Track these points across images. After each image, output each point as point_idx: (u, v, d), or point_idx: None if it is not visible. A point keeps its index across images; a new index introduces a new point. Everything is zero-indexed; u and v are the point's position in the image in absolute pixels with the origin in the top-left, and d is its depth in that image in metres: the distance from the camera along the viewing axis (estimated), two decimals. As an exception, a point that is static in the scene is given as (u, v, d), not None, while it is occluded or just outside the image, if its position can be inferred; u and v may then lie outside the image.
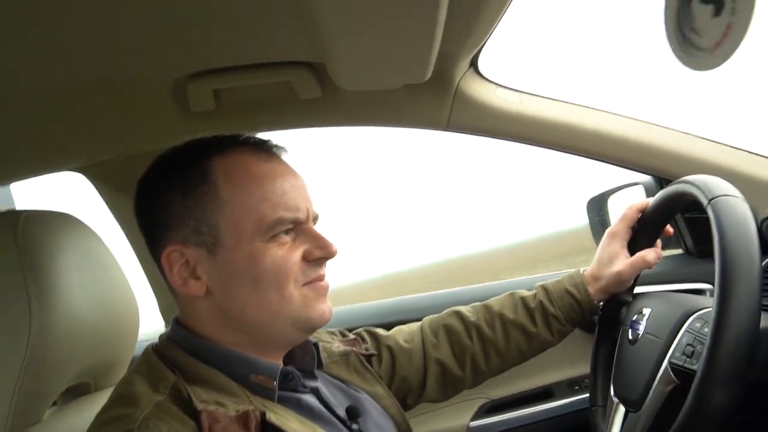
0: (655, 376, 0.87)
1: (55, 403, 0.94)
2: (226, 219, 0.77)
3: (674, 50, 0.79)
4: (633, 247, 1.05)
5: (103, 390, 0.98)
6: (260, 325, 0.79)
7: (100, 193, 1.25)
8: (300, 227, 0.81)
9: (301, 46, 0.87)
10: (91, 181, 1.25)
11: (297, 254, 0.79)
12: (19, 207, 1.15)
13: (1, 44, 0.70)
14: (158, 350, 0.80)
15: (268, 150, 0.83)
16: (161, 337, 0.83)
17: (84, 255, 0.92)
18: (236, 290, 0.77)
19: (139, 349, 0.87)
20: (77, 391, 0.97)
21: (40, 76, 0.82)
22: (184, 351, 0.78)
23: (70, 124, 1.01)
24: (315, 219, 0.84)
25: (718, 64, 0.75)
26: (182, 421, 0.69)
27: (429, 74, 0.90)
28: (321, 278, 0.82)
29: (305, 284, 0.80)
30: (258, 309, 0.78)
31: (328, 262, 0.84)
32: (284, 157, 0.85)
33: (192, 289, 0.78)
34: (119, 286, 0.99)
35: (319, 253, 0.81)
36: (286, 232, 0.79)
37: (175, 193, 0.78)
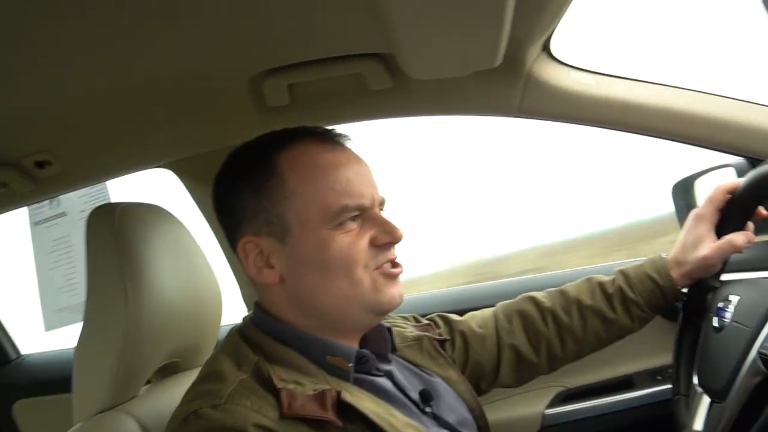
0: (742, 366, 0.82)
1: (149, 382, 1.02)
2: (293, 209, 0.81)
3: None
4: (721, 231, 0.99)
5: (191, 370, 1.05)
6: (332, 309, 0.82)
7: (187, 188, 1.33)
8: (366, 213, 0.82)
9: (371, 37, 0.88)
10: (178, 176, 1.33)
11: (364, 240, 0.81)
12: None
13: (98, 45, 0.75)
14: (242, 332, 0.85)
15: (331, 139, 0.86)
16: (244, 319, 0.88)
17: (173, 244, 0.99)
18: (306, 277, 0.81)
19: (223, 332, 0.93)
20: (168, 370, 1.04)
21: (127, 77, 0.88)
22: (265, 333, 0.83)
23: (158, 122, 1.08)
24: (382, 204, 0.86)
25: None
26: (264, 397, 0.73)
27: (500, 60, 0.89)
28: (391, 262, 0.83)
29: (375, 269, 0.82)
30: (328, 295, 0.81)
31: (408, 249, 0.85)
32: (348, 145, 0.87)
33: (266, 278, 0.82)
34: (205, 273, 1.05)
35: (385, 238, 0.82)
36: (353, 219, 0.81)
37: (246, 187, 0.83)
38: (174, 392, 0.87)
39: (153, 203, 1.02)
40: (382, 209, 0.86)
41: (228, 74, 0.96)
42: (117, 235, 0.90)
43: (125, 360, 0.88)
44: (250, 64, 0.94)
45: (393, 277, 0.84)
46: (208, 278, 1.06)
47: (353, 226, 0.81)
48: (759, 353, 0.81)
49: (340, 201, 0.80)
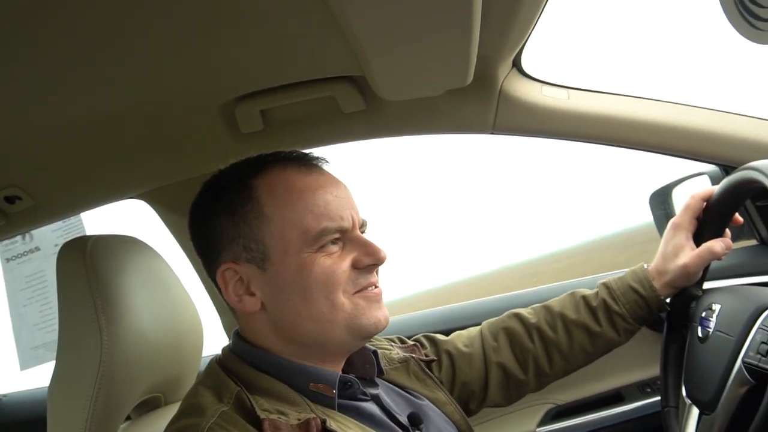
0: (728, 376, 0.82)
1: (129, 418, 0.99)
2: (271, 234, 0.79)
3: (734, 24, 0.75)
4: (699, 239, 0.99)
5: (173, 404, 1.02)
6: (314, 335, 0.80)
7: (162, 218, 1.31)
8: (347, 236, 0.82)
9: (341, 60, 0.89)
10: (153, 206, 1.31)
11: (346, 263, 0.80)
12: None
13: (68, 79, 0.75)
14: (222, 362, 0.83)
15: (308, 163, 0.85)
16: (224, 349, 0.86)
17: (149, 275, 0.97)
18: (287, 302, 0.79)
19: (204, 363, 0.91)
20: (149, 406, 1.02)
21: (98, 108, 0.87)
22: (246, 363, 0.81)
23: (129, 153, 1.07)
24: (363, 226, 0.85)
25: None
26: (246, 429, 0.71)
27: (470, 78, 0.90)
28: (373, 285, 0.82)
29: (356, 292, 0.81)
30: (310, 319, 0.79)
31: (382, 270, 0.84)
32: (326, 168, 0.86)
33: (247, 305, 0.80)
34: (183, 304, 1.03)
35: (368, 260, 0.81)
36: (334, 242, 0.80)
37: (223, 215, 0.82)
38: (155, 428, 0.85)
39: (127, 234, 1.00)
40: (363, 231, 0.85)
41: (199, 102, 0.96)
42: (89, 269, 0.88)
43: (101, 397, 0.86)
44: (220, 91, 0.94)
45: (375, 300, 0.82)
46: (187, 308, 1.04)
47: (334, 248, 0.80)
48: (744, 362, 0.80)
49: (319, 224, 0.79)
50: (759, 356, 0.78)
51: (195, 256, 0.87)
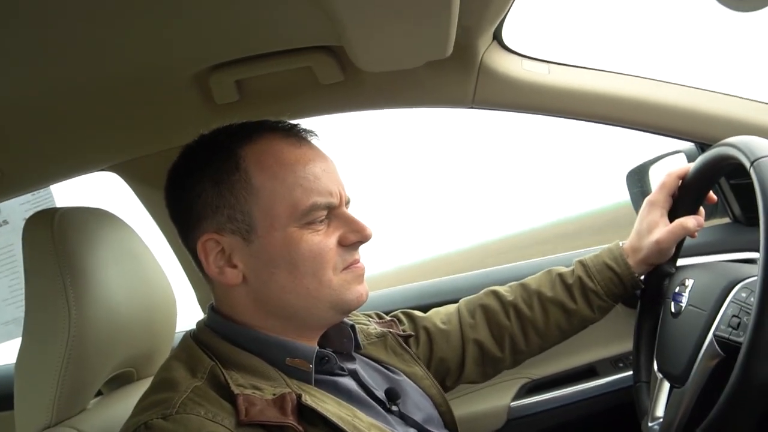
0: (700, 349, 0.83)
1: (101, 393, 0.97)
2: (259, 206, 0.78)
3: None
4: (674, 216, 1.00)
5: (146, 378, 1.01)
6: (297, 309, 0.80)
7: (134, 191, 1.28)
8: (334, 212, 0.81)
9: (318, 30, 0.87)
10: (124, 179, 1.27)
11: (333, 240, 0.80)
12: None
13: (31, 49, 0.72)
14: (196, 337, 0.82)
15: (297, 135, 0.83)
16: (199, 323, 0.84)
17: (119, 248, 0.95)
18: (272, 276, 0.78)
19: (178, 338, 0.89)
20: (121, 380, 1.00)
21: (67, 77, 0.84)
22: (221, 337, 0.80)
23: (100, 125, 1.04)
24: (347, 203, 0.84)
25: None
26: (219, 404, 0.70)
27: (450, 50, 0.88)
28: (357, 261, 0.82)
29: (344, 269, 0.80)
30: (295, 294, 0.79)
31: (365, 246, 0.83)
32: (314, 141, 0.85)
33: (228, 278, 0.79)
34: (155, 278, 1.01)
35: (354, 237, 0.81)
36: (321, 217, 0.79)
37: (207, 183, 0.79)
38: (127, 403, 0.83)
39: (97, 207, 0.97)
40: (347, 207, 0.84)
41: (171, 71, 0.93)
42: (56, 242, 0.85)
43: (69, 372, 0.84)
44: (192, 60, 0.91)
45: (360, 275, 0.82)
46: (160, 283, 1.02)
47: (321, 224, 0.79)
48: (715, 336, 0.81)
49: (309, 198, 0.78)
50: (730, 329, 0.79)
51: (169, 230, 0.85)
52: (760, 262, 0.69)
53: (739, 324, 0.78)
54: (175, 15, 0.73)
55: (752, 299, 0.76)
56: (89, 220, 0.93)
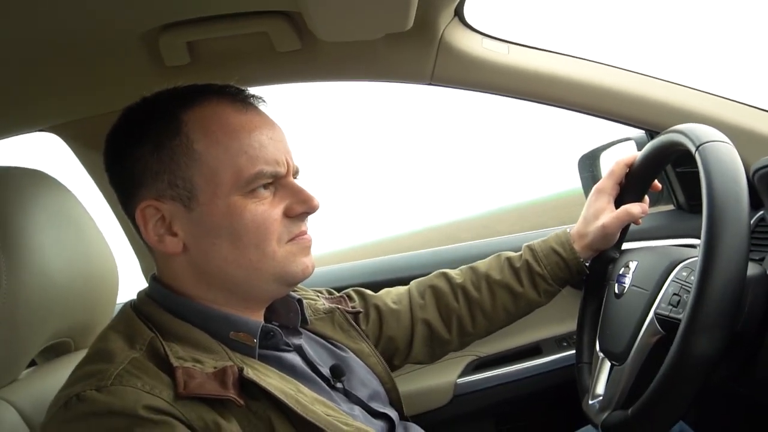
0: (641, 328, 0.85)
1: (35, 363, 0.93)
2: (201, 173, 0.75)
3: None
4: (620, 203, 1.03)
5: (84, 350, 0.96)
6: (239, 281, 0.77)
7: (75, 153, 1.22)
8: (280, 181, 0.78)
9: (277, -7, 0.84)
10: (65, 140, 1.21)
11: (278, 210, 0.77)
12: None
13: None
14: (136, 307, 0.79)
15: (244, 100, 0.80)
16: (139, 294, 0.81)
17: (57, 213, 0.90)
18: (213, 246, 0.76)
19: (119, 308, 0.86)
20: (57, 351, 0.96)
21: (3, 31, 0.78)
22: (162, 308, 0.77)
23: (40, 83, 0.98)
24: (296, 173, 0.82)
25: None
26: (158, 377, 0.68)
27: (410, 23, 0.87)
28: (304, 233, 0.80)
29: (288, 241, 0.78)
30: (237, 265, 0.76)
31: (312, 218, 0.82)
32: (262, 107, 0.82)
33: (168, 246, 0.76)
34: (96, 245, 0.97)
35: (301, 208, 0.78)
36: (266, 186, 0.77)
37: (147, 147, 0.76)
38: (61, 375, 0.79)
39: (32, 168, 0.92)
40: (295, 178, 0.82)
41: (118, 29, 0.88)
42: None
43: None
44: (142, 18, 0.87)
45: (306, 247, 0.80)
46: (101, 250, 0.98)
47: (266, 194, 0.77)
48: (656, 314, 0.84)
49: (254, 166, 0.75)
50: (670, 307, 0.81)
51: (111, 195, 0.81)
52: (702, 242, 0.71)
53: (679, 302, 0.81)
54: None
55: (692, 278, 0.78)
56: (24, 182, 0.87)
